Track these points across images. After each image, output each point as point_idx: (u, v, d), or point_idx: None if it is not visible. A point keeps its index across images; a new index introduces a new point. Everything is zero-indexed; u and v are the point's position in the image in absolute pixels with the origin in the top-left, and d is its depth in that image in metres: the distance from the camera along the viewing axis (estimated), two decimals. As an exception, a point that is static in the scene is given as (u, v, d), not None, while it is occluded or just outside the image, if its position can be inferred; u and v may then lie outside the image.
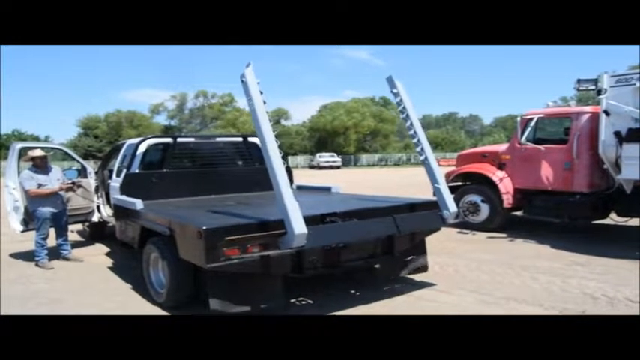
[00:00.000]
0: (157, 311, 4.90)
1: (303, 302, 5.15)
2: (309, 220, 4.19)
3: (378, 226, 4.86)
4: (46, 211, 6.86)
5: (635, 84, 6.93)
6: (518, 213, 9.27)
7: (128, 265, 6.79)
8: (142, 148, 6.79)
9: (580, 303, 4.95)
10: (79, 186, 7.57)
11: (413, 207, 5.36)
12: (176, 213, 5.18)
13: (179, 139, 7.29)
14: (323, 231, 4.40)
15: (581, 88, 7.82)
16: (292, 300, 5.11)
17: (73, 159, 8.56)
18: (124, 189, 6.40)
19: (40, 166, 6.90)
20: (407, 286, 5.59)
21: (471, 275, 6.12)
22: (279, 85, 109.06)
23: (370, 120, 61.80)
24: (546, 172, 8.23)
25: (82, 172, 8.26)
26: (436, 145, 63.70)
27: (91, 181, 8.21)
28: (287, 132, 62.95)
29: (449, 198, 5.31)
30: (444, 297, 5.24)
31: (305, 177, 20.73)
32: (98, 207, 8.19)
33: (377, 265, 5.50)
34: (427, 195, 5.78)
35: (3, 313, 4.74)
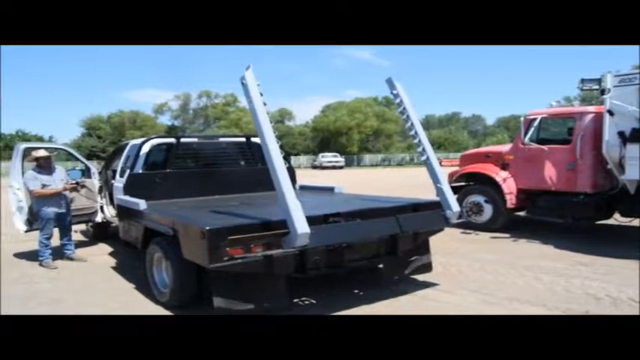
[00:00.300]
0: (161, 311, 4.91)
1: (307, 302, 5.15)
2: (312, 220, 4.19)
3: (381, 226, 4.86)
4: (50, 211, 6.88)
5: (639, 84, 6.90)
6: (522, 213, 9.25)
7: (131, 265, 6.80)
8: (145, 149, 6.81)
9: (583, 303, 4.94)
10: (83, 186, 7.59)
11: (416, 207, 5.36)
12: (179, 213, 5.19)
13: (182, 140, 7.31)
14: (326, 231, 4.40)
15: (584, 88, 7.80)
16: (296, 300, 5.11)
17: (77, 159, 8.59)
18: (128, 189, 6.42)
19: (44, 166, 6.93)
20: (410, 286, 5.59)
21: (475, 275, 6.11)
22: (282, 86, 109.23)
23: (373, 120, 61.77)
24: (550, 172, 8.21)
25: (86, 173, 8.28)
26: (439, 146, 63.64)
27: (95, 182, 8.23)
28: (290, 132, 63.01)
29: (452, 198, 5.31)
30: (447, 297, 5.23)
31: (308, 177, 20.74)
32: (101, 207, 8.22)
33: (380, 266, 5.51)
34: (430, 195, 5.77)
35: (4, 313, 4.75)
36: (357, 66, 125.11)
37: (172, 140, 7.19)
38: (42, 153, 6.97)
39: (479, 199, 9.12)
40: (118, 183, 6.85)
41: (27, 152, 7.35)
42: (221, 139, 8.23)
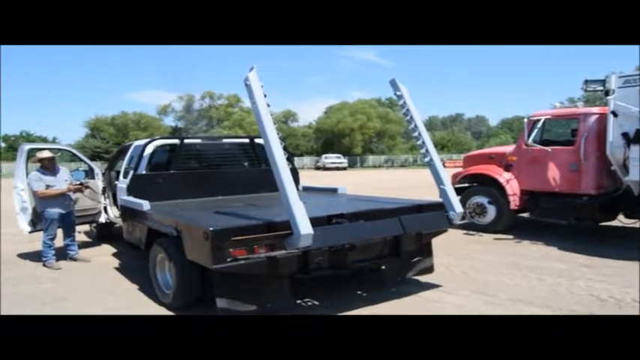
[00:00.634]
0: (164, 312, 4.92)
1: (310, 303, 5.16)
2: (315, 221, 4.19)
3: (384, 227, 4.86)
4: (55, 211, 6.90)
5: (643, 85, 6.88)
6: (525, 214, 9.24)
7: (135, 265, 6.82)
8: (149, 150, 6.82)
9: (587, 305, 4.93)
10: (87, 187, 7.61)
11: (419, 208, 5.35)
12: (183, 214, 5.20)
13: (186, 141, 7.33)
14: (329, 232, 4.41)
15: (588, 89, 7.77)
16: (299, 301, 5.12)
17: (81, 160, 8.61)
18: (131, 190, 6.43)
19: (48, 167, 6.95)
20: (413, 287, 5.58)
21: (478, 277, 6.10)
22: (285, 87, 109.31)
23: (376, 121, 61.75)
24: (553, 173, 8.19)
25: (90, 173, 8.31)
26: (442, 147, 63.51)
27: (99, 182, 8.25)
28: (293, 133, 63.04)
29: (455, 199, 5.31)
30: (450, 298, 5.23)
31: (311, 178, 20.73)
32: (105, 208, 8.23)
33: (383, 267, 5.50)
34: (434, 196, 5.77)
35: (7, 313, 4.76)
36: (361, 67, 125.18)
37: (176, 141, 7.20)
38: (46, 154, 6.99)
39: (482, 200, 9.11)
40: (122, 184, 6.87)
41: (31, 153, 7.38)
42: (224, 140, 8.25)
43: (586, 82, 7.69)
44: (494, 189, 8.96)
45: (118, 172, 7.62)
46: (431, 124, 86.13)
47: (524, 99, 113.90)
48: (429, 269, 5.76)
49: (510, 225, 8.98)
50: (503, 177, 8.84)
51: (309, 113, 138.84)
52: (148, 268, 5.48)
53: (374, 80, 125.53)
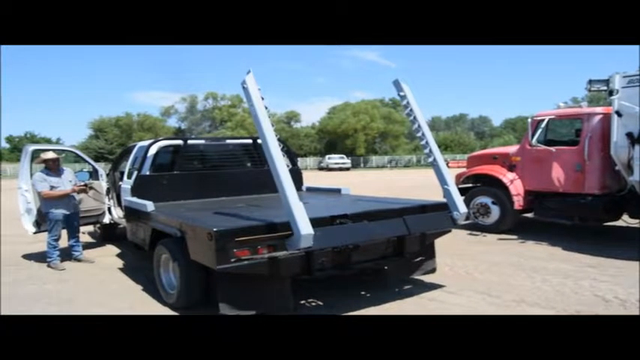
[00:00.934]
0: (168, 312, 4.93)
1: (314, 303, 5.16)
2: (319, 222, 4.19)
3: (388, 227, 4.86)
4: (59, 212, 6.92)
5: (647, 85, 6.86)
6: (529, 215, 9.21)
7: (139, 266, 6.84)
8: (152, 150, 6.84)
9: (592, 305, 4.91)
10: (91, 188, 7.63)
11: (423, 208, 5.35)
12: (187, 214, 5.20)
13: (189, 141, 7.34)
14: (332, 232, 4.41)
15: (592, 89, 7.74)
16: (302, 301, 5.12)
17: (85, 161, 8.64)
18: (135, 191, 6.45)
19: (52, 168, 6.97)
20: (417, 288, 5.58)
21: (482, 277, 6.09)
22: (288, 87, 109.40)
23: (379, 122, 61.69)
24: (557, 173, 8.17)
25: (94, 174, 8.33)
26: (445, 147, 63.36)
27: (103, 183, 8.28)
28: (297, 134, 63.06)
29: (459, 199, 5.30)
30: (454, 299, 5.22)
31: (314, 178, 20.72)
32: (109, 208, 8.26)
33: (386, 267, 5.50)
34: (437, 197, 5.76)
35: (10, 313, 4.78)
36: (364, 67, 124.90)
37: (179, 142, 7.22)
38: (50, 155, 7.02)
39: (486, 200, 9.09)
40: (126, 185, 6.89)
41: (35, 154, 7.41)
42: (228, 141, 8.26)
43: (590, 81, 7.67)
44: (498, 189, 8.94)
45: (122, 173, 7.64)
46: (434, 125, 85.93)
47: (528, 99, 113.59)
48: (432, 270, 5.76)
49: (514, 225, 8.96)
50: (507, 177, 8.82)
51: (312, 114, 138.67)
52: (151, 269, 5.50)
53: (377, 81, 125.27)
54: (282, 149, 4.32)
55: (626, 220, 8.18)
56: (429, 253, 5.70)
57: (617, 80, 7.16)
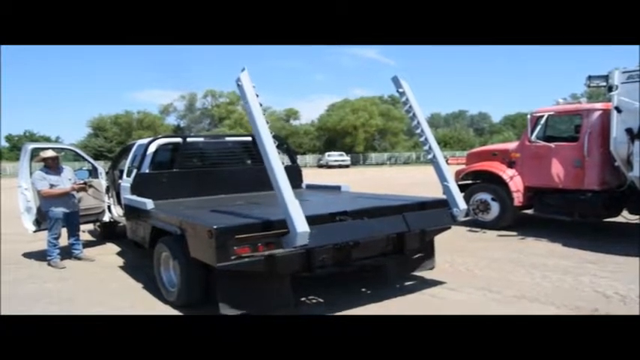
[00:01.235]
0: (168, 310, 4.93)
1: (314, 301, 5.16)
2: (319, 219, 4.19)
3: (388, 224, 4.86)
4: (59, 211, 6.92)
5: (647, 80, 6.85)
6: (529, 211, 9.22)
7: (139, 264, 6.84)
8: (151, 148, 6.83)
9: (592, 301, 4.92)
10: (90, 186, 7.63)
11: (423, 205, 5.35)
12: (186, 212, 5.20)
13: (188, 139, 7.33)
14: (332, 229, 4.41)
15: (592, 85, 7.74)
16: (303, 299, 5.12)
17: (84, 159, 8.64)
18: (135, 189, 6.45)
19: (52, 166, 6.97)
20: (418, 285, 5.58)
21: (482, 273, 6.09)
22: (288, 85, 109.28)
23: (379, 119, 61.68)
24: (557, 169, 8.17)
25: (93, 172, 8.32)
26: (445, 144, 63.39)
27: (102, 181, 8.27)
28: (296, 131, 63.03)
29: (458, 196, 5.30)
30: (454, 295, 5.23)
31: (314, 176, 20.72)
32: (109, 207, 8.26)
33: (387, 264, 5.50)
34: (437, 193, 5.76)
35: (11, 313, 4.78)
36: (364, 65, 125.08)
37: (179, 140, 7.21)
38: (50, 153, 7.01)
39: (486, 197, 9.09)
40: (125, 183, 6.88)
41: (35, 153, 7.40)
42: (227, 139, 8.25)
43: (589, 77, 7.67)
44: (497, 186, 8.94)
45: (122, 171, 7.63)
46: (433, 121, 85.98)
47: (528, 95, 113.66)
48: (432, 266, 5.77)
49: (514, 222, 8.97)
50: (507, 173, 8.82)
51: (311, 111, 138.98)
52: (152, 267, 5.50)
53: (376, 78, 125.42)
54: (281, 147, 4.32)
55: (625, 216, 8.18)
56: (429, 250, 5.71)
57: (617, 76, 7.15)
